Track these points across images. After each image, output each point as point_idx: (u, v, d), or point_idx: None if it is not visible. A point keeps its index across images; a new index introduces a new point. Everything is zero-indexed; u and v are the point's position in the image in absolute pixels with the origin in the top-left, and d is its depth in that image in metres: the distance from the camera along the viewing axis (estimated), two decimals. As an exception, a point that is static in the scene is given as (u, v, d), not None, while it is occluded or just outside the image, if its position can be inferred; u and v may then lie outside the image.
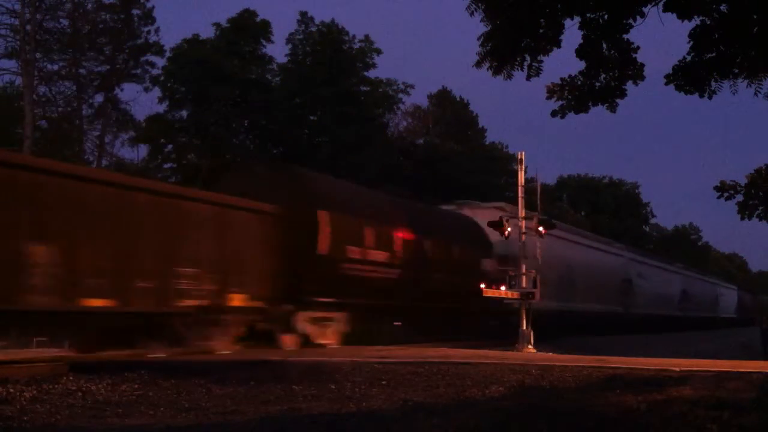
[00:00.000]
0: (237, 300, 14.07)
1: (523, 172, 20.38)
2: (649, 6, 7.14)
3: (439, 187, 38.72)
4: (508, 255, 22.21)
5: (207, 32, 38.12)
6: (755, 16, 7.16)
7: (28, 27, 31.29)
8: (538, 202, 20.61)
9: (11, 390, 7.84)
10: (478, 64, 7.70)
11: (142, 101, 58.97)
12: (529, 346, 17.99)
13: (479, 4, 7.34)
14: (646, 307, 39.01)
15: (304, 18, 41.12)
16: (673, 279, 48.06)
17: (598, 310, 31.70)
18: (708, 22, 7.31)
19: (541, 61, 7.62)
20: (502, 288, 19.19)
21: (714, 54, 7.53)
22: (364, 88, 41.44)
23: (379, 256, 17.43)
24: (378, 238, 17.42)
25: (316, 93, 37.79)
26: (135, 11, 35.64)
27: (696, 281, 54.41)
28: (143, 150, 36.96)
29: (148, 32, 35.95)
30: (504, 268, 21.60)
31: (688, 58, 7.62)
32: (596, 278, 31.92)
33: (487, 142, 52.70)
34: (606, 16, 7.41)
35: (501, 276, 20.25)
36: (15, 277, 10.33)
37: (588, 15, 7.40)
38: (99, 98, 35.21)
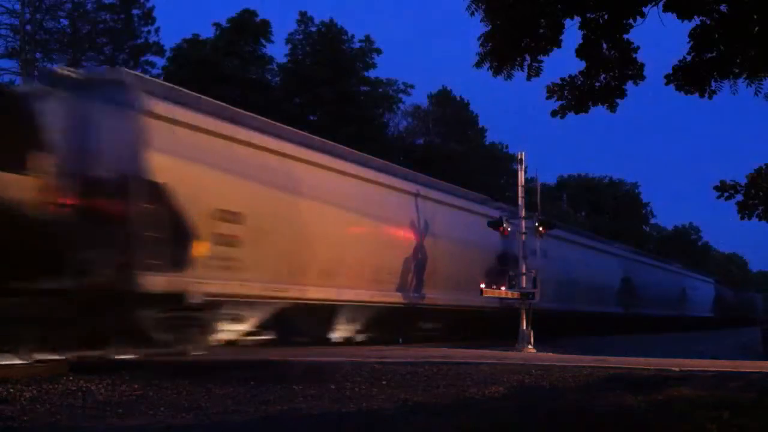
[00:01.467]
0: None
1: (523, 172, 20.37)
2: (649, 6, 7.14)
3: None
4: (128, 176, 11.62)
5: (207, 32, 38.21)
6: (755, 16, 7.16)
7: (28, 27, 31.34)
8: (538, 202, 20.60)
9: (11, 390, 7.84)
10: (478, 64, 7.69)
11: (142, 101, 58.69)
12: (529, 346, 17.98)
13: (479, 4, 7.34)
14: (549, 301, 24.26)
15: (304, 18, 41.20)
16: (608, 263, 34.36)
17: (441, 301, 20.09)
18: (708, 22, 7.31)
19: (541, 61, 7.61)
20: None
21: (714, 54, 7.54)
22: (364, 88, 41.51)
23: None
24: None
25: (316, 93, 37.82)
26: (135, 11, 35.71)
27: (647, 269, 41.12)
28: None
29: (148, 32, 36.06)
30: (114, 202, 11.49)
31: (688, 58, 7.63)
32: (454, 258, 20.43)
33: (487, 142, 52.80)
34: (606, 16, 7.42)
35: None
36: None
37: (588, 15, 7.40)
38: (99, 98, 35.18)
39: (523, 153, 20.42)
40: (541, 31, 7.41)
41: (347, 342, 17.29)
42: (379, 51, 41.63)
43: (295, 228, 15.03)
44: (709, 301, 56.30)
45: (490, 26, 7.50)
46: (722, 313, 57.98)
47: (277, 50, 67.78)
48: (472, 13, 7.37)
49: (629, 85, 7.84)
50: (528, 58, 7.59)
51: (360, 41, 41.47)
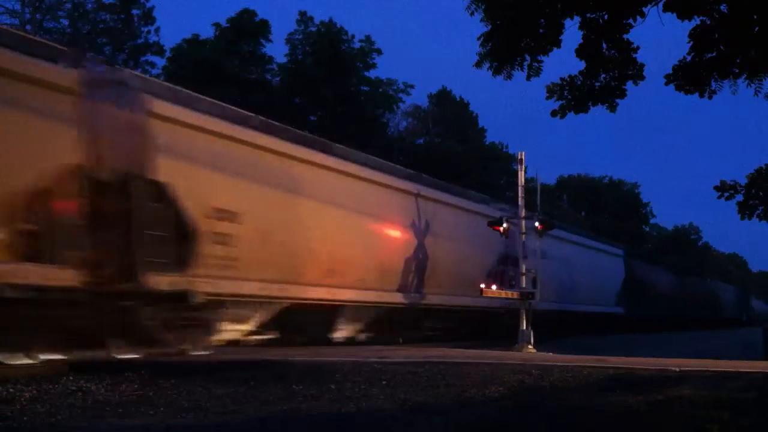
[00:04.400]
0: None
1: (523, 172, 20.36)
2: (649, 6, 7.15)
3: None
4: None
5: (207, 32, 38.23)
6: (755, 16, 7.17)
7: (28, 27, 31.32)
8: (538, 202, 20.60)
9: (11, 390, 7.83)
10: (478, 64, 7.71)
11: (142, 101, 58.66)
12: (529, 346, 17.98)
13: (479, 4, 7.35)
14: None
15: (303, 17, 41.19)
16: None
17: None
18: (708, 22, 7.32)
19: (541, 61, 7.63)
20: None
21: (714, 54, 7.55)
22: (364, 88, 41.50)
23: None
24: None
25: (316, 93, 37.83)
26: (135, 11, 35.72)
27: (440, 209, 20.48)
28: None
29: (148, 32, 36.06)
30: None
31: (688, 58, 7.63)
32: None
33: (487, 142, 52.78)
34: (606, 16, 7.42)
35: None
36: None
37: (588, 15, 7.41)
38: (99, 98, 35.18)
39: (523, 153, 20.42)
40: (541, 31, 7.42)
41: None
42: (379, 51, 41.69)
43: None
44: (615, 287, 32.83)
45: (490, 26, 7.51)
46: (644, 308, 34.84)
47: (277, 50, 67.92)
48: (472, 13, 7.38)
49: (629, 85, 7.86)
50: (528, 58, 7.60)
51: (360, 41, 41.52)
